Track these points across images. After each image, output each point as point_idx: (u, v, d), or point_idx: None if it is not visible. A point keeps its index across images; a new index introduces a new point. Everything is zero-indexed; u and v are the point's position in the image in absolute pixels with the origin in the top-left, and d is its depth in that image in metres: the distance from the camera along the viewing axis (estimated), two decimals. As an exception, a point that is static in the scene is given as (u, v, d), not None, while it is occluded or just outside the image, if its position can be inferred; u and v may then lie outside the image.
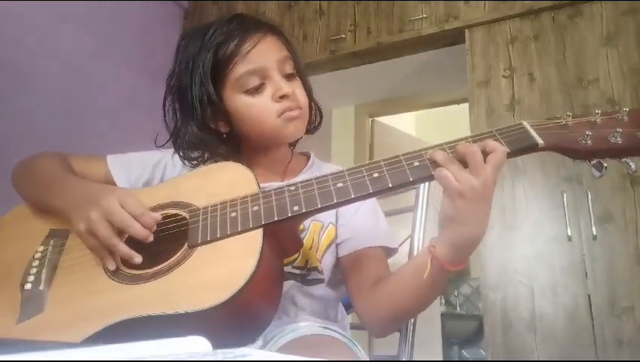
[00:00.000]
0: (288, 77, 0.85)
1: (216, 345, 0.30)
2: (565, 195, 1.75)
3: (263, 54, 0.83)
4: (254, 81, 0.82)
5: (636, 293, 1.58)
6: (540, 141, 0.63)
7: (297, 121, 0.84)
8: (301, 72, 0.90)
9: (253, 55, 0.82)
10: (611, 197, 1.70)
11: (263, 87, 0.83)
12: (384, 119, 3.41)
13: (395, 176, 0.65)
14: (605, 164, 0.63)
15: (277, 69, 0.83)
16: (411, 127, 4.06)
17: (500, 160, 0.62)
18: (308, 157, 0.98)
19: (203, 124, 0.84)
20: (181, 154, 0.88)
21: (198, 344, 0.31)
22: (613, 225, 1.67)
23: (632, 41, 1.83)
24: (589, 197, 1.71)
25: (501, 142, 0.64)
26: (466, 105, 2.12)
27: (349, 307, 1.12)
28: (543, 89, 1.93)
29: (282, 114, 0.82)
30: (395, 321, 0.85)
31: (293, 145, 0.96)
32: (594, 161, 0.64)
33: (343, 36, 2.43)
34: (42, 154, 0.88)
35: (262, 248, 0.62)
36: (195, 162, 0.89)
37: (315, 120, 0.93)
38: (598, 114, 0.64)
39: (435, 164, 0.65)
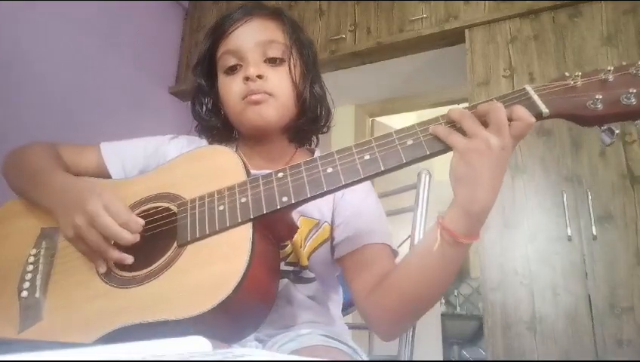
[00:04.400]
0: (271, 61, 0.83)
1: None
2: (565, 195, 1.75)
3: (242, 36, 0.83)
4: (231, 61, 0.83)
5: (636, 293, 1.58)
6: (545, 110, 0.58)
7: (260, 106, 0.81)
8: (296, 60, 0.85)
9: (232, 36, 0.84)
10: (611, 197, 1.69)
11: (240, 68, 0.83)
12: (384, 119, 3.41)
13: (388, 158, 0.60)
14: (617, 131, 0.57)
15: (256, 52, 0.82)
16: (411, 127, 4.05)
17: (524, 130, 0.57)
18: (312, 152, 0.95)
19: (212, 105, 0.89)
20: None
21: (198, 344, 0.31)
22: (613, 225, 1.67)
23: (632, 41, 1.83)
24: (589, 196, 1.71)
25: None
26: (466, 105, 2.11)
27: (349, 306, 1.12)
28: (543, 89, 1.92)
29: (245, 97, 0.81)
30: (403, 315, 0.73)
31: (297, 140, 0.92)
32: (604, 127, 0.57)
33: (343, 36, 2.43)
34: (33, 144, 0.85)
35: (253, 244, 0.59)
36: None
37: (310, 113, 0.89)
38: (610, 71, 0.57)
39: (439, 135, 0.61)
